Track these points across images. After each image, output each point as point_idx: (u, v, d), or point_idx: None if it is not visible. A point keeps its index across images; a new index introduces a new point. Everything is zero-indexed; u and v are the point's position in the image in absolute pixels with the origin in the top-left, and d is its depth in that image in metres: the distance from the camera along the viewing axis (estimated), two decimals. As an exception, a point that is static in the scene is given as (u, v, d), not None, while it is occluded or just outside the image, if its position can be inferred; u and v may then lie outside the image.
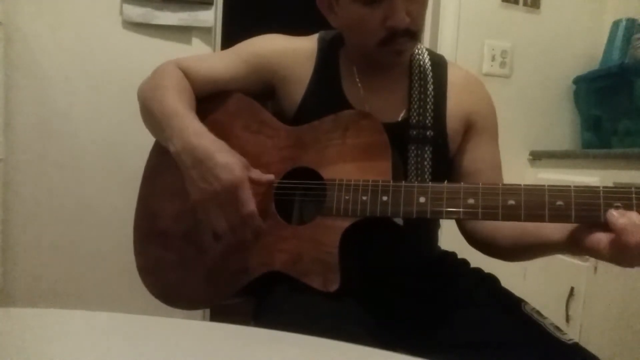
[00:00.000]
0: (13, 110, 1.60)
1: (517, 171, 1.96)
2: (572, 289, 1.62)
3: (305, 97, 0.89)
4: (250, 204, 0.74)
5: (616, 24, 1.90)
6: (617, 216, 0.61)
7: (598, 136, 1.90)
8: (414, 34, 0.81)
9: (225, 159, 0.74)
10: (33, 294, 1.66)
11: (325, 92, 0.89)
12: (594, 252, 0.64)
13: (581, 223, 0.65)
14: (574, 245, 0.67)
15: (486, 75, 1.95)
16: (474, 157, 0.90)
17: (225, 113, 0.90)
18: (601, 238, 0.62)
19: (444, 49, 1.90)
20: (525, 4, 1.98)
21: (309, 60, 0.90)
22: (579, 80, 1.98)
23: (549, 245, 0.72)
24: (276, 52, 0.91)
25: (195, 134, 0.77)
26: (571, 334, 0.76)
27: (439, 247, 0.98)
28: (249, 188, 0.75)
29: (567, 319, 1.62)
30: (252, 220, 0.76)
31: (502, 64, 1.98)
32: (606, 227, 0.62)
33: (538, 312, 0.79)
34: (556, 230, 0.70)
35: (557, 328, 0.76)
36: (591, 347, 0.73)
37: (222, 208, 0.75)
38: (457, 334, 0.79)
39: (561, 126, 2.05)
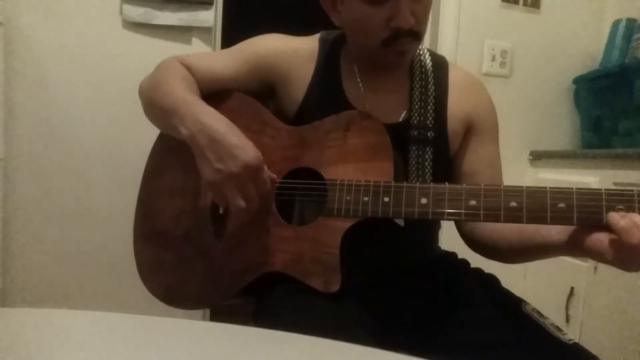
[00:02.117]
0: (13, 110, 1.60)
1: (517, 171, 1.96)
2: (572, 289, 1.63)
3: (306, 97, 0.88)
4: (268, 183, 0.77)
5: (616, 24, 1.90)
6: (618, 218, 0.60)
7: (598, 136, 1.90)
8: (417, 35, 0.81)
9: (240, 140, 0.75)
10: (33, 294, 1.66)
11: (327, 92, 0.88)
12: (595, 254, 0.63)
13: (583, 225, 0.65)
14: (575, 247, 0.66)
15: (486, 75, 1.95)
16: (473, 158, 0.90)
17: (226, 112, 0.89)
18: (602, 240, 0.62)
19: (444, 49, 1.90)
20: (525, 4, 1.98)
21: (310, 60, 0.90)
22: (579, 80, 1.98)
23: (550, 248, 0.72)
24: (277, 52, 0.91)
25: (209, 115, 0.78)
26: (571, 334, 0.76)
27: (439, 248, 0.98)
28: (265, 168, 0.77)
29: (567, 319, 1.62)
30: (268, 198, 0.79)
31: (502, 64, 1.98)
32: (608, 229, 0.61)
33: (538, 312, 0.79)
34: (557, 232, 0.69)
35: (557, 328, 0.76)
36: (591, 347, 0.73)
37: (240, 187, 0.75)
38: (457, 334, 0.79)
39: (561, 126, 2.05)
